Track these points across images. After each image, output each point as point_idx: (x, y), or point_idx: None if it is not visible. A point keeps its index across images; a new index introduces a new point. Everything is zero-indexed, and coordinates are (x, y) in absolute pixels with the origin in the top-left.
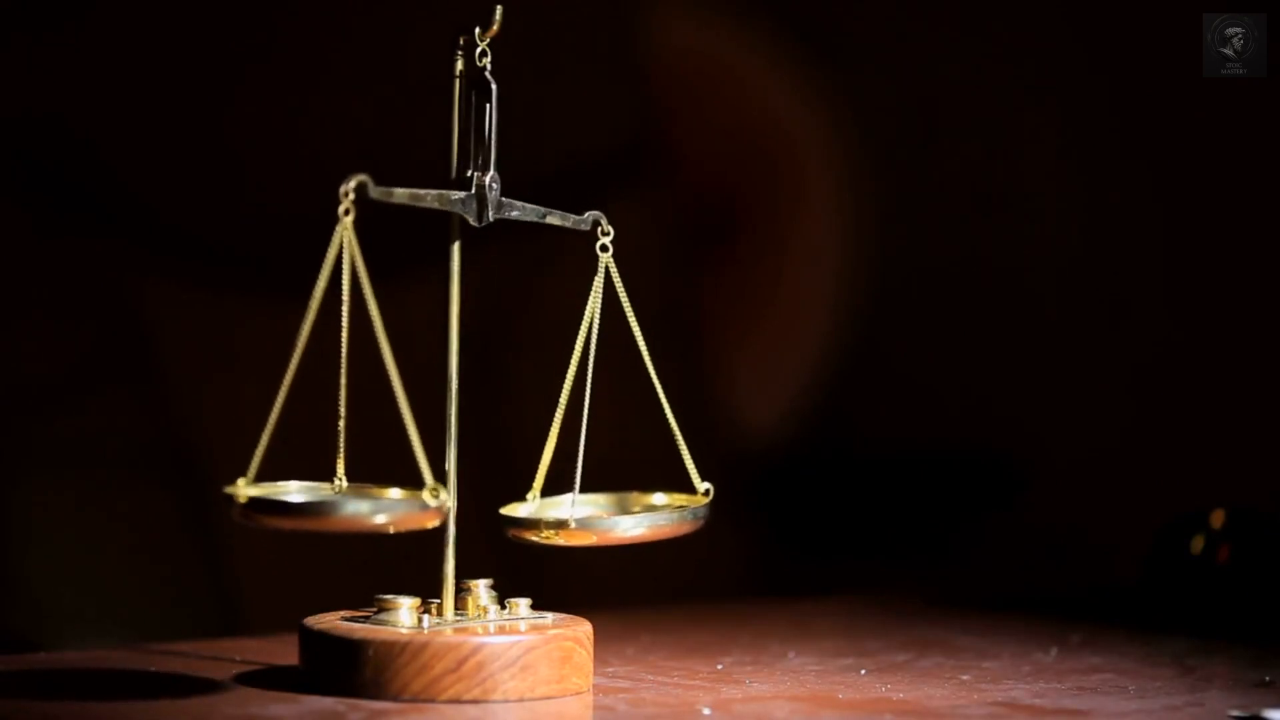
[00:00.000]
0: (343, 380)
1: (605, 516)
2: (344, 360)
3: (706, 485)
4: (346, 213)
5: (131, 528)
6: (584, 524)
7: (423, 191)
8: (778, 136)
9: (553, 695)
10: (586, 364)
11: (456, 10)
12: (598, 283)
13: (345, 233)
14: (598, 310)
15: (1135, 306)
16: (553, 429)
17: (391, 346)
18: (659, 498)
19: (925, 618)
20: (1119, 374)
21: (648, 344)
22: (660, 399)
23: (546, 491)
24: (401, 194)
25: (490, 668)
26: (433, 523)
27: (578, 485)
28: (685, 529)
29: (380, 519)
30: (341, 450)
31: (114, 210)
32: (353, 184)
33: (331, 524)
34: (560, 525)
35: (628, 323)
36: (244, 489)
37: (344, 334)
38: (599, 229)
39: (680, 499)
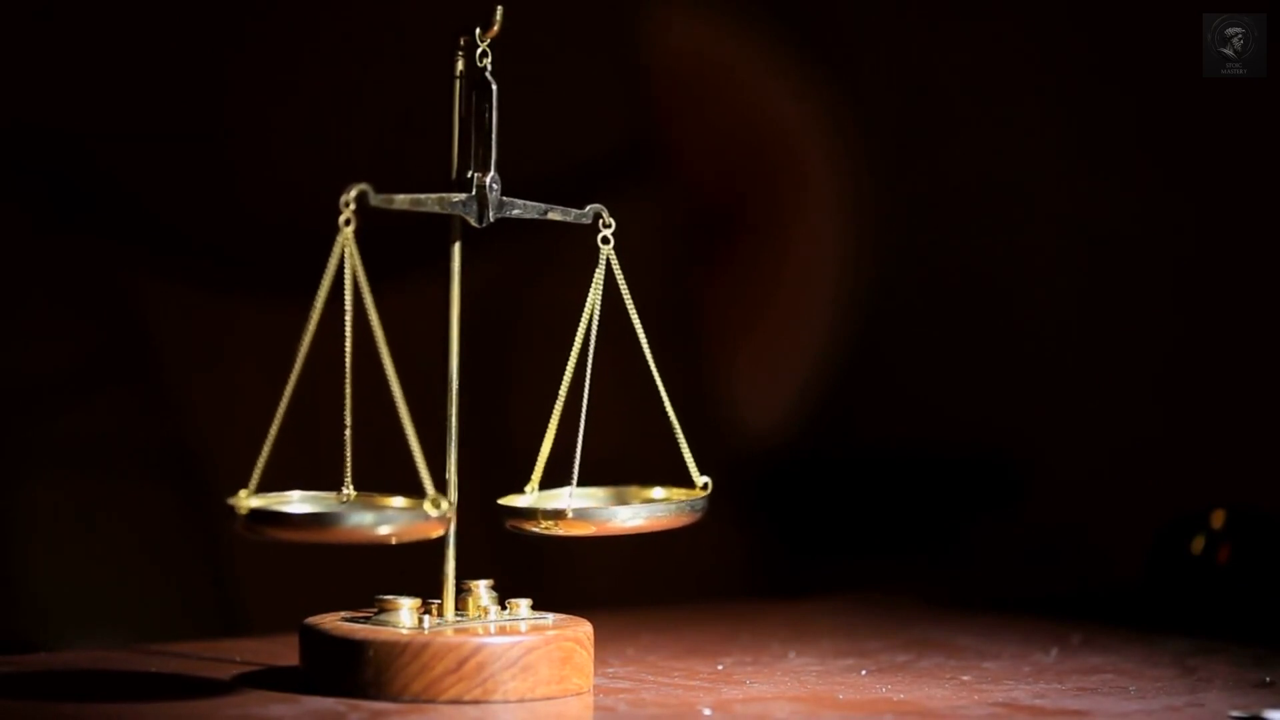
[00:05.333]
0: (348, 391)
1: (603, 507)
2: (348, 372)
3: (705, 479)
4: (347, 223)
5: (131, 528)
6: (581, 514)
7: (423, 196)
8: (778, 136)
9: (553, 696)
10: (587, 354)
11: (456, 10)
12: (598, 275)
13: (346, 243)
14: (598, 302)
15: (1136, 307)
16: (552, 419)
17: (393, 348)
18: (658, 492)
19: (925, 618)
20: (1120, 374)
21: (649, 343)
22: (659, 390)
23: (546, 486)
24: (402, 200)
25: (491, 668)
26: (436, 533)
27: (575, 477)
28: (683, 521)
29: (383, 530)
30: (349, 460)
31: (114, 211)
32: (353, 193)
33: (334, 536)
34: (558, 515)
35: (629, 317)
36: (245, 500)
37: (348, 344)
38: (600, 221)
39: (679, 493)
